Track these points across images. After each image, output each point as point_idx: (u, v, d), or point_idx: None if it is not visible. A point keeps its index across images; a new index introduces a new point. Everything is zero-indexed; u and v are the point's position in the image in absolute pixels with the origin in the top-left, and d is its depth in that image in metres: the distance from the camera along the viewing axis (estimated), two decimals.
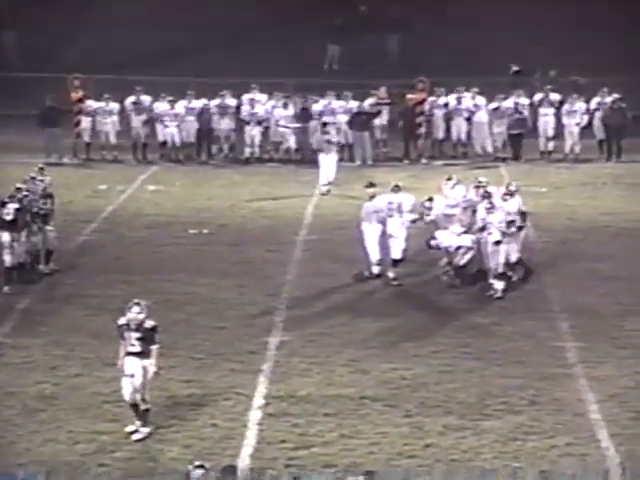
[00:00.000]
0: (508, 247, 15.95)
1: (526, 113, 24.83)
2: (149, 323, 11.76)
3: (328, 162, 22.38)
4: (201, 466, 10.35)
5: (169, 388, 12.82)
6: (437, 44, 30.43)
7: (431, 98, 25.11)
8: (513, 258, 16.19)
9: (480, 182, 16.82)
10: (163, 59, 30.27)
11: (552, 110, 24.95)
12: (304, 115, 24.92)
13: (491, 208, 15.97)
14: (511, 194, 16.44)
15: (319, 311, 15.52)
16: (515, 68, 28.22)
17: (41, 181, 17.23)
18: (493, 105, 24.86)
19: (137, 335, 11.69)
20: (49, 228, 16.82)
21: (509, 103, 24.80)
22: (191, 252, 18.22)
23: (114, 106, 25.26)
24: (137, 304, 11.78)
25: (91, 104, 25.23)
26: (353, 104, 24.97)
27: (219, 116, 25.04)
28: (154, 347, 11.75)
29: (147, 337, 11.69)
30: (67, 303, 15.72)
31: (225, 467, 10.53)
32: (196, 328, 14.78)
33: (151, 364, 11.71)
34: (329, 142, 22.47)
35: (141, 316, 11.70)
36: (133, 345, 11.70)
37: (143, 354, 11.69)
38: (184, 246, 18.60)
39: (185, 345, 14.11)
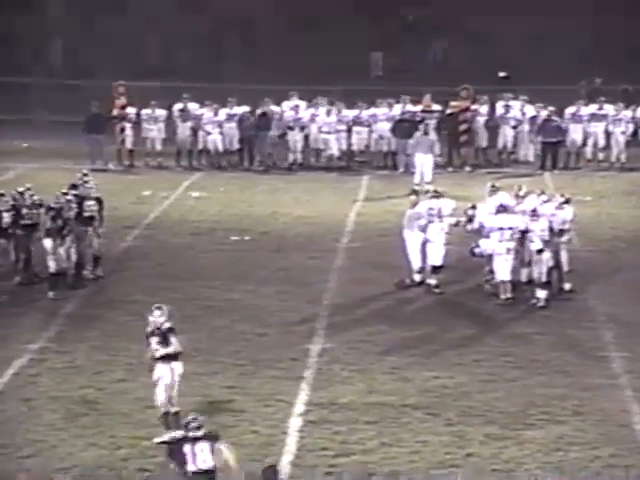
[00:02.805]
0: (561, 255, 15.99)
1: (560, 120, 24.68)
2: (166, 325, 11.89)
3: (424, 161, 22.56)
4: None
5: (210, 394, 12.85)
6: (482, 51, 30.34)
7: (474, 106, 25.05)
8: (566, 267, 16.18)
9: (519, 189, 16.87)
10: (208, 66, 30.47)
11: (604, 122, 24.74)
12: (262, 122, 24.83)
13: (534, 216, 15.88)
14: (567, 202, 16.44)
15: (361, 318, 15.49)
16: (502, 74, 28.11)
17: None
18: (531, 113, 24.73)
19: (157, 339, 11.80)
20: (92, 232, 16.91)
21: (538, 112, 24.64)
22: (233, 259, 18.28)
23: (160, 113, 25.42)
24: (158, 308, 11.94)
25: (132, 111, 25.36)
26: (396, 111, 24.97)
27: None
28: (173, 345, 11.85)
29: (164, 339, 11.81)
30: (110, 308, 15.83)
31: (266, 468, 10.54)
32: (238, 335, 14.81)
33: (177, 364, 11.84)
34: (427, 142, 22.67)
35: (161, 319, 11.87)
36: (157, 350, 11.81)
37: (169, 357, 11.77)
38: (226, 253, 18.66)
39: (227, 351, 14.15)
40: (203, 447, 10.13)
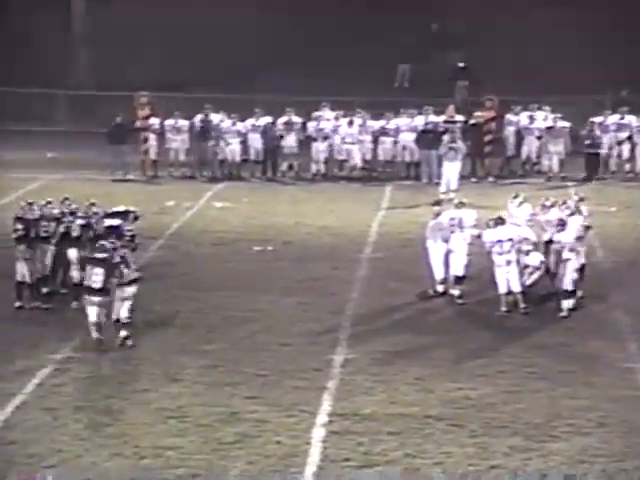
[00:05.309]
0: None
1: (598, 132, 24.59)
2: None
3: (451, 170, 22.55)
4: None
5: (233, 404, 12.85)
6: (507, 61, 30.31)
7: (507, 115, 25.01)
8: (575, 274, 16.12)
9: (547, 199, 16.84)
10: (233, 77, 30.56)
11: (627, 132, 24.64)
12: (203, 132, 24.79)
13: (562, 226, 15.80)
14: (573, 214, 16.44)
15: (383, 329, 15.46)
16: (460, 65, 28.10)
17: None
18: (548, 124, 24.62)
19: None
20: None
21: (565, 122, 24.60)
22: (256, 269, 18.29)
23: (183, 123, 25.54)
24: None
25: (155, 122, 25.48)
26: (419, 122, 24.95)
27: (285, 133, 25.18)
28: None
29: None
30: (133, 318, 15.83)
31: None
32: (260, 345, 14.81)
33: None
34: (454, 150, 22.68)
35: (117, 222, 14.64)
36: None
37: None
38: (249, 263, 18.69)
39: (249, 362, 14.15)
40: (98, 272, 13.80)
